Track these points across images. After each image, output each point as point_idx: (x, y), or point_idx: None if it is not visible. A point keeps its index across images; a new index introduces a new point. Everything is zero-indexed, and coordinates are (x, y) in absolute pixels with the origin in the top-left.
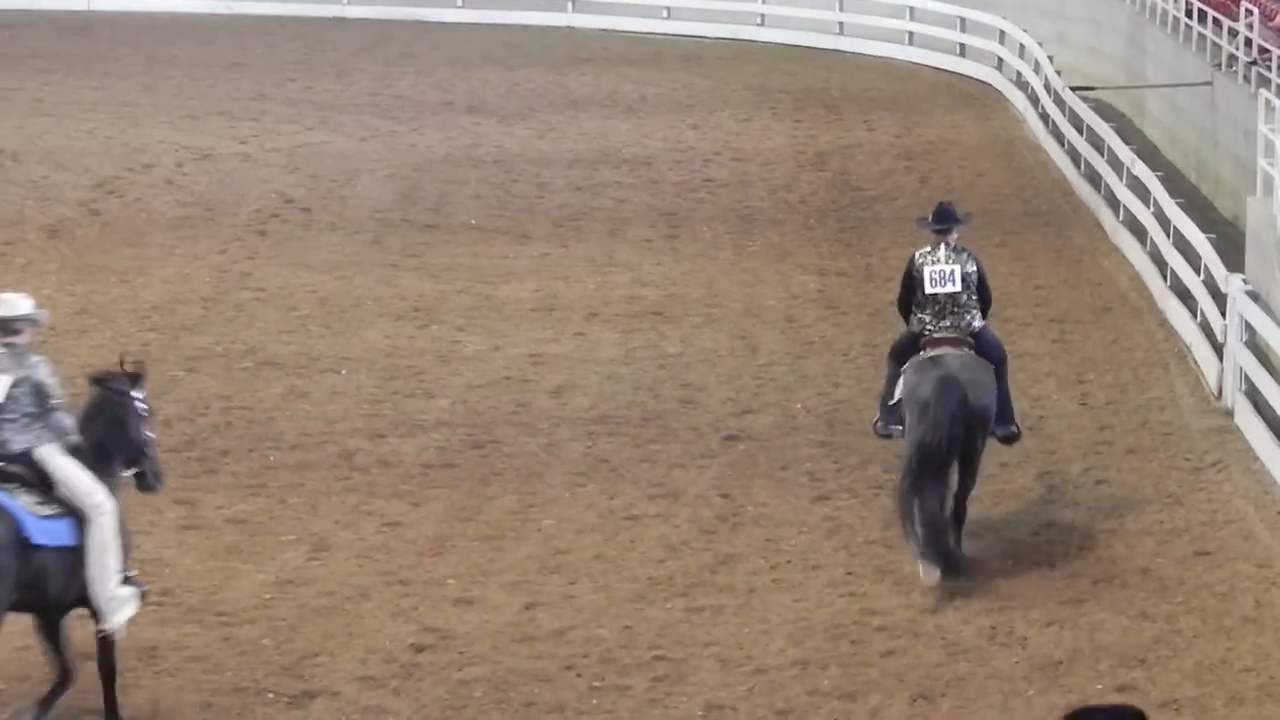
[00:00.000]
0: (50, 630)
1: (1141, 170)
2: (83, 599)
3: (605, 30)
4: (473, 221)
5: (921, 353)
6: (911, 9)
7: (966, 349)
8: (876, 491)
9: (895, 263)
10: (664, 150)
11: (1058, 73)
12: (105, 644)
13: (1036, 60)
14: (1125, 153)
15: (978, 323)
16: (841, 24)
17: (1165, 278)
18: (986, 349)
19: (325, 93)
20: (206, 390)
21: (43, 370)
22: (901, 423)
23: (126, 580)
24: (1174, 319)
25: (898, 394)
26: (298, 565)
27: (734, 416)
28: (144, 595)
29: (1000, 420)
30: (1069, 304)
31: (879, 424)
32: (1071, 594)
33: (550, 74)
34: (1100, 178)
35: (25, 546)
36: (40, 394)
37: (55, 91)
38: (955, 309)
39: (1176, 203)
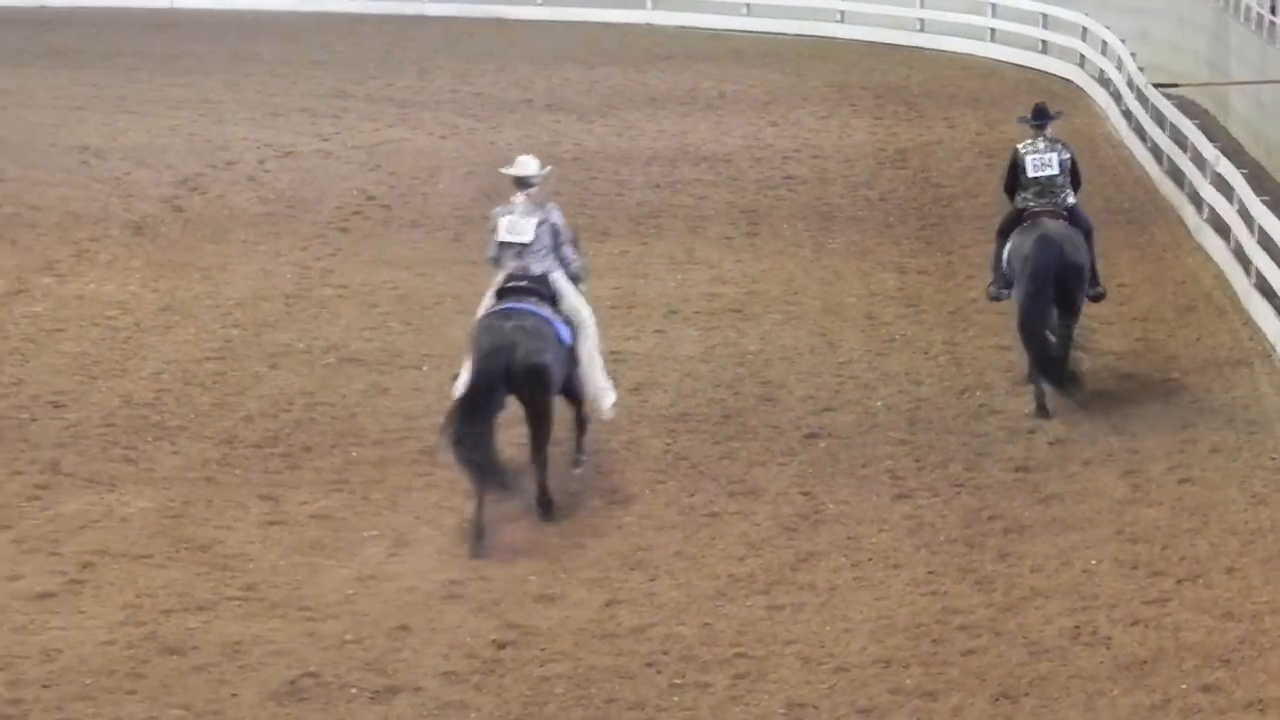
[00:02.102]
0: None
1: (1225, 167)
2: (566, 389)
3: (684, 27)
4: None
5: (1025, 223)
6: (993, 5)
7: (1062, 219)
8: (958, 490)
9: (977, 260)
10: (743, 147)
11: (1140, 69)
12: (583, 424)
13: (1119, 57)
14: (1209, 150)
15: (1070, 200)
16: (922, 21)
17: (1249, 275)
18: (1078, 220)
19: (406, 90)
20: (289, 386)
21: (556, 214)
22: (1010, 286)
23: (607, 378)
24: (1258, 317)
25: (1005, 256)
26: (380, 561)
27: (814, 414)
28: (615, 393)
29: (1090, 281)
30: (1152, 302)
31: (991, 289)
32: (1155, 593)
33: (629, 71)
34: (1183, 175)
35: (559, 342)
36: (555, 233)
37: (139, 89)
38: (1052, 189)
39: (1261, 200)
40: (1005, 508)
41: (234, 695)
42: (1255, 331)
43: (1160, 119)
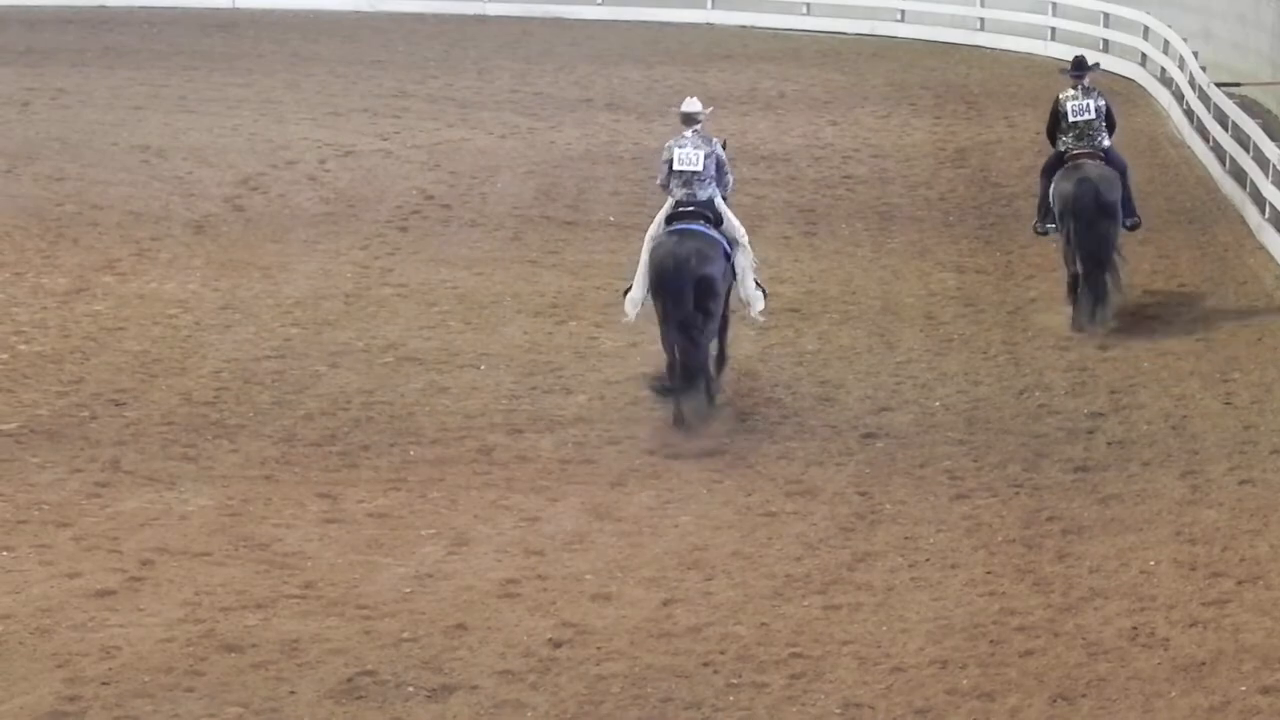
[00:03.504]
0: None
1: None
2: (724, 294)
3: (744, 26)
4: (611, 218)
5: (1066, 164)
6: (1054, 4)
7: (1099, 159)
8: (1016, 490)
9: (1036, 260)
10: (802, 146)
11: (1202, 68)
12: (724, 326)
13: (1181, 56)
14: (1272, 149)
15: (1106, 142)
16: (982, 20)
17: None
18: (1113, 161)
19: (466, 90)
20: (348, 385)
21: (719, 148)
22: (1054, 221)
23: (757, 285)
24: None
25: (1054, 201)
26: (437, 559)
27: (872, 414)
28: (766, 297)
29: (1127, 213)
30: (1213, 302)
31: (1036, 225)
32: (1214, 595)
33: (689, 70)
34: (1245, 175)
35: (724, 257)
36: (719, 163)
37: (199, 88)
38: (1090, 132)
39: None
40: (1064, 508)
41: (291, 693)
42: None
43: (1222, 118)
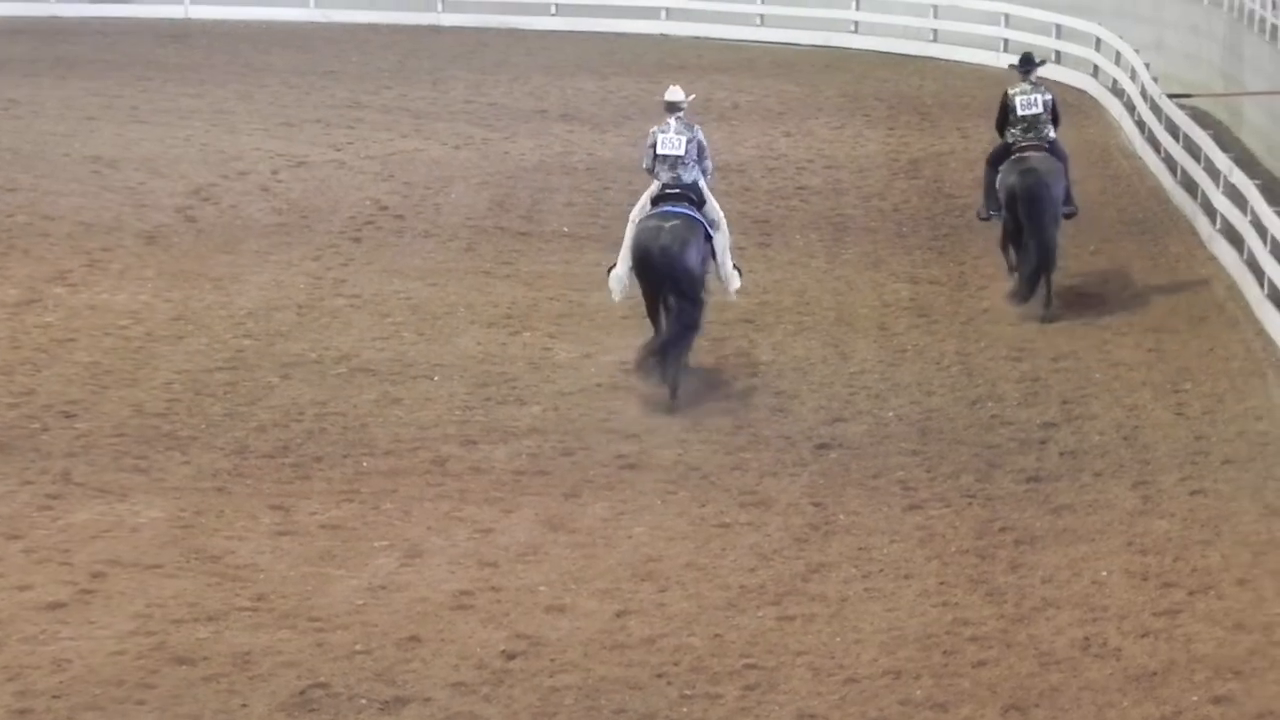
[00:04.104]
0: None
1: (1239, 178)
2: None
3: (698, 38)
4: (565, 229)
5: (1013, 155)
6: (1006, 16)
7: (1044, 151)
8: (969, 500)
9: (989, 270)
10: (756, 157)
11: (1154, 79)
12: (702, 305)
13: (1133, 67)
14: (1222, 160)
15: (1052, 134)
16: (935, 31)
17: (1262, 286)
18: (1057, 152)
19: (420, 100)
20: (301, 396)
21: (700, 134)
22: (999, 208)
23: (734, 267)
24: (1271, 328)
25: (1001, 191)
26: (390, 571)
27: (826, 424)
28: (741, 276)
29: (1065, 201)
30: (1165, 312)
31: (980, 210)
32: (1166, 605)
33: (643, 81)
34: (1197, 185)
35: (707, 236)
36: (700, 148)
37: (152, 99)
38: (1037, 125)
39: (1274, 210)
40: (1016, 519)
41: (244, 706)
42: (1268, 342)
43: (1174, 129)
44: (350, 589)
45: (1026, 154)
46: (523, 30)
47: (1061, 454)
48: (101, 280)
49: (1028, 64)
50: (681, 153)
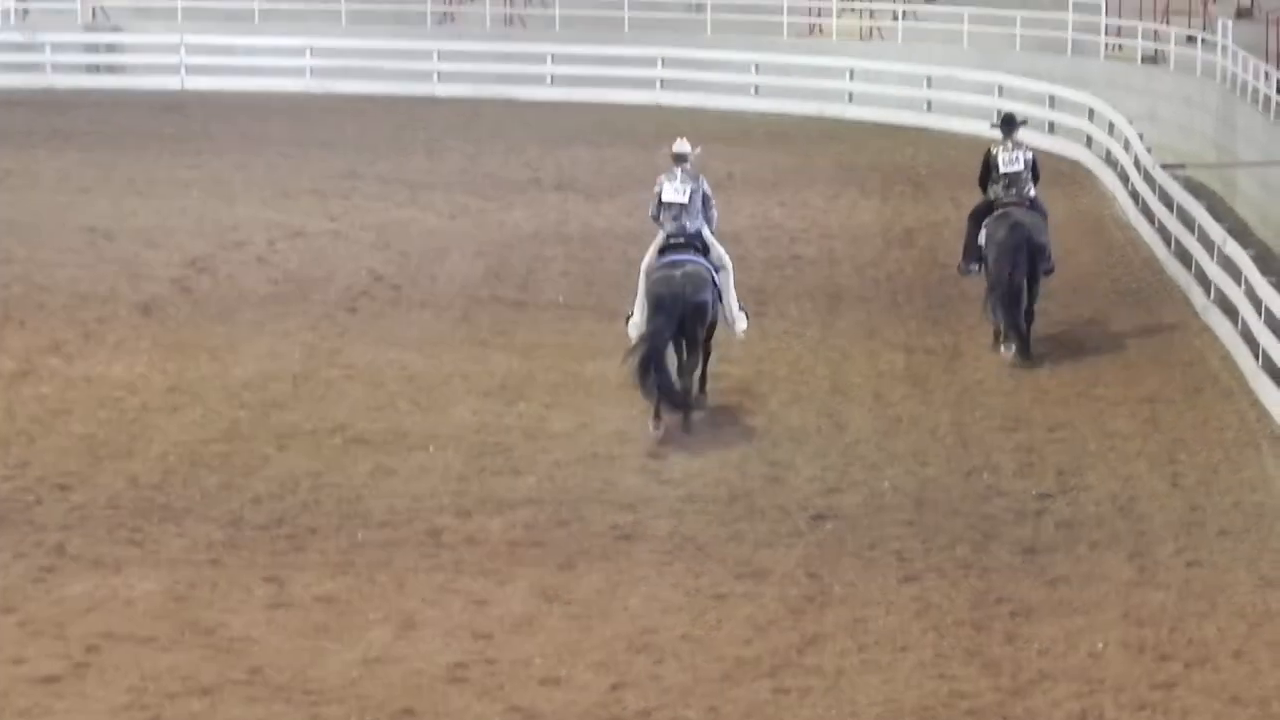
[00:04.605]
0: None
1: (1233, 249)
2: (712, 320)
3: (693, 108)
4: (560, 299)
5: (996, 211)
6: (1000, 86)
7: (1025, 207)
8: (965, 572)
9: (984, 339)
10: (751, 227)
11: (1148, 150)
12: (709, 345)
13: (1126, 137)
14: (1216, 231)
15: (1032, 192)
16: (929, 101)
17: (1257, 357)
18: (1039, 208)
19: (415, 170)
20: (296, 467)
21: (705, 184)
22: (979, 262)
23: (740, 308)
24: (1266, 399)
25: (981, 240)
26: (385, 643)
27: (821, 495)
28: (748, 316)
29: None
30: (1159, 383)
31: (961, 265)
32: (1163, 677)
33: (638, 151)
34: (1191, 256)
35: (712, 282)
36: (705, 199)
37: (148, 170)
38: (1018, 182)
39: (1268, 281)
40: (1012, 590)
41: None
42: (1262, 413)
43: (1168, 200)
44: (345, 662)
45: (1010, 209)
46: (518, 100)
47: (1057, 525)
48: (97, 351)
49: (1010, 124)
50: (685, 201)
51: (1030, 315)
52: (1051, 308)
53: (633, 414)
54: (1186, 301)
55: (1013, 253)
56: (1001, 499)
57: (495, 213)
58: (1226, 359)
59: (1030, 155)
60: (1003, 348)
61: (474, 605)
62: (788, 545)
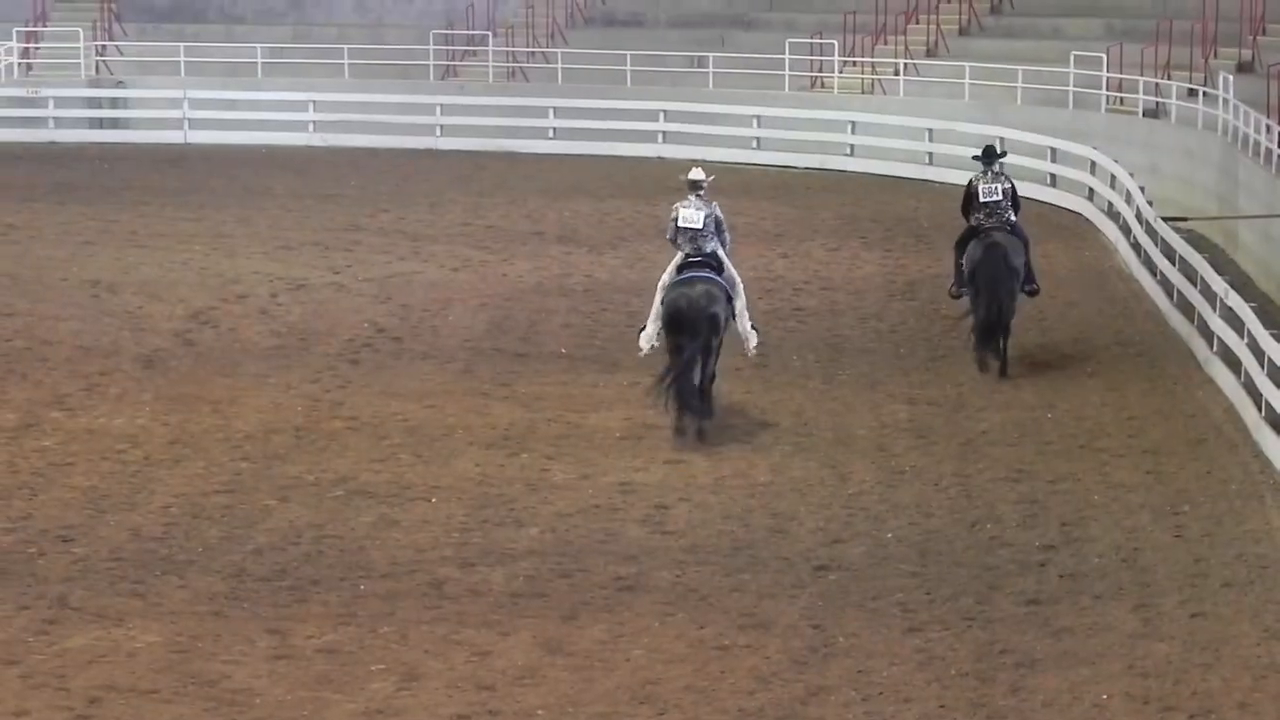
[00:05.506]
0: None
1: (1235, 301)
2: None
3: (695, 160)
4: (563, 350)
5: (978, 237)
6: (1001, 139)
7: (1006, 232)
8: (969, 623)
9: (987, 391)
10: (753, 279)
11: (1149, 203)
12: (709, 383)
13: (1128, 190)
14: (1218, 283)
15: (1013, 218)
16: (930, 154)
17: (1260, 409)
18: (1019, 233)
19: (418, 223)
20: (298, 519)
21: (718, 209)
22: (967, 285)
23: (751, 326)
24: (1269, 451)
25: (966, 265)
26: (388, 695)
27: (824, 546)
28: (758, 333)
29: (1027, 280)
30: (1162, 435)
31: (953, 288)
32: None
33: (640, 204)
34: (1193, 308)
35: (728, 299)
36: (718, 222)
37: (150, 223)
38: (998, 211)
39: (1271, 333)
40: (1016, 641)
41: None
42: (1266, 465)
43: (1170, 252)
44: (347, 713)
45: (990, 231)
46: (520, 154)
47: (1061, 576)
48: (99, 404)
49: (989, 156)
50: (700, 226)
51: (1006, 331)
52: (1054, 359)
53: (636, 464)
54: (1189, 354)
55: (989, 270)
56: (1005, 550)
57: (497, 265)
58: (1230, 411)
59: (1009, 185)
60: (976, 353)
61: (477, 656)
62: (791, 596)
